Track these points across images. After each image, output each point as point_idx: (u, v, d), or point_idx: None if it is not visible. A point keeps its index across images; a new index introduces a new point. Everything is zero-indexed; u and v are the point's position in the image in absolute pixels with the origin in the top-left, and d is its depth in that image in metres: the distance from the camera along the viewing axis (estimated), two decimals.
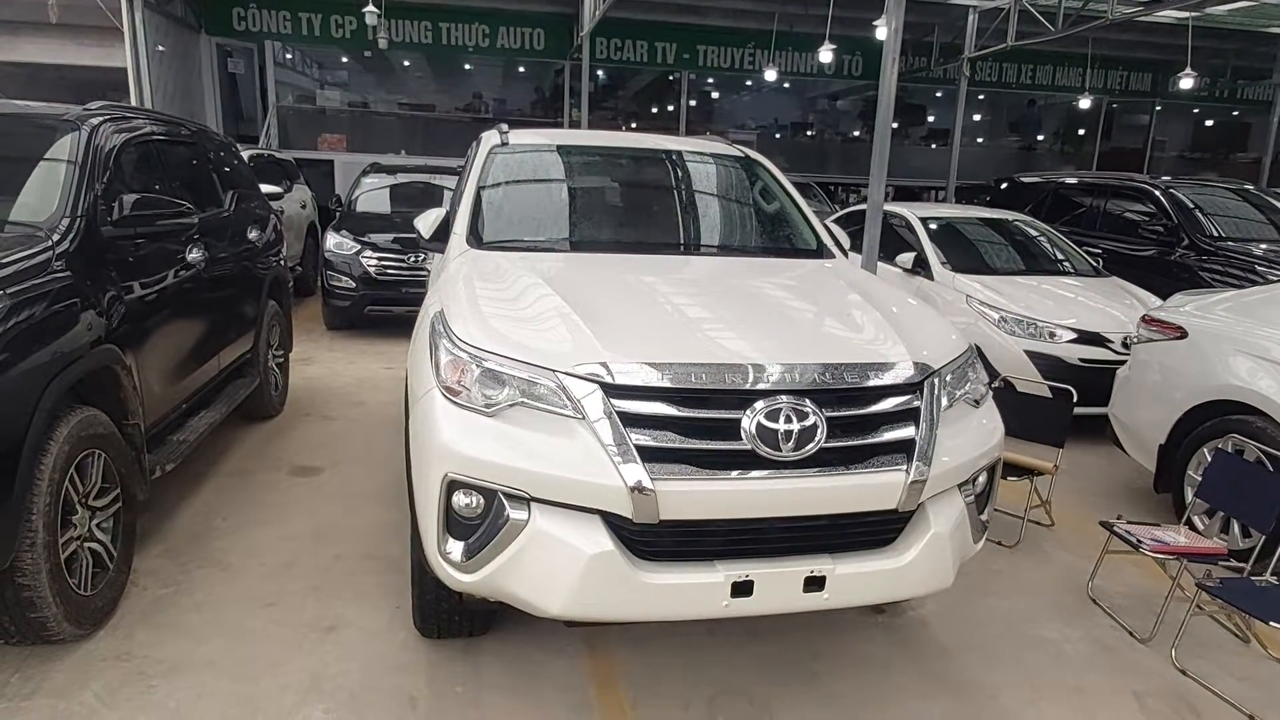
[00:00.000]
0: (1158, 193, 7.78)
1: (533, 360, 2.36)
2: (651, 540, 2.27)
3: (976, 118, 19.66)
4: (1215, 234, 7.34)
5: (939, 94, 18.33)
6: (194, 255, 4.26)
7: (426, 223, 3.57)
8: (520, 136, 4.02)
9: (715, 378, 2.30)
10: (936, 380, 2.51)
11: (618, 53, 15.33)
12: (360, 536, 3.96)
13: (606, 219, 3.75)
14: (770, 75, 14.64)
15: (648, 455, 2.23)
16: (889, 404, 2.41)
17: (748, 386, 2.30)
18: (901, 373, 2.45)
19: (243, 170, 5.77)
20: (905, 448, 2.38)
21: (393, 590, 3.45)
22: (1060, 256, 7.24)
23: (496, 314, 2.64)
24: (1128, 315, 6.07)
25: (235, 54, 14.87)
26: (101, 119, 3.83)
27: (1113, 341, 5.83)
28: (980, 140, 20.29)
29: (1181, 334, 4.41)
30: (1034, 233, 7.58)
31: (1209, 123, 19.52)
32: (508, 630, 3.15)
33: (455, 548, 2.39)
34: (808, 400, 2.31)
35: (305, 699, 2.75)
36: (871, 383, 2.40)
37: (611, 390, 2.28)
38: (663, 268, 3.29)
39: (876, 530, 2.42)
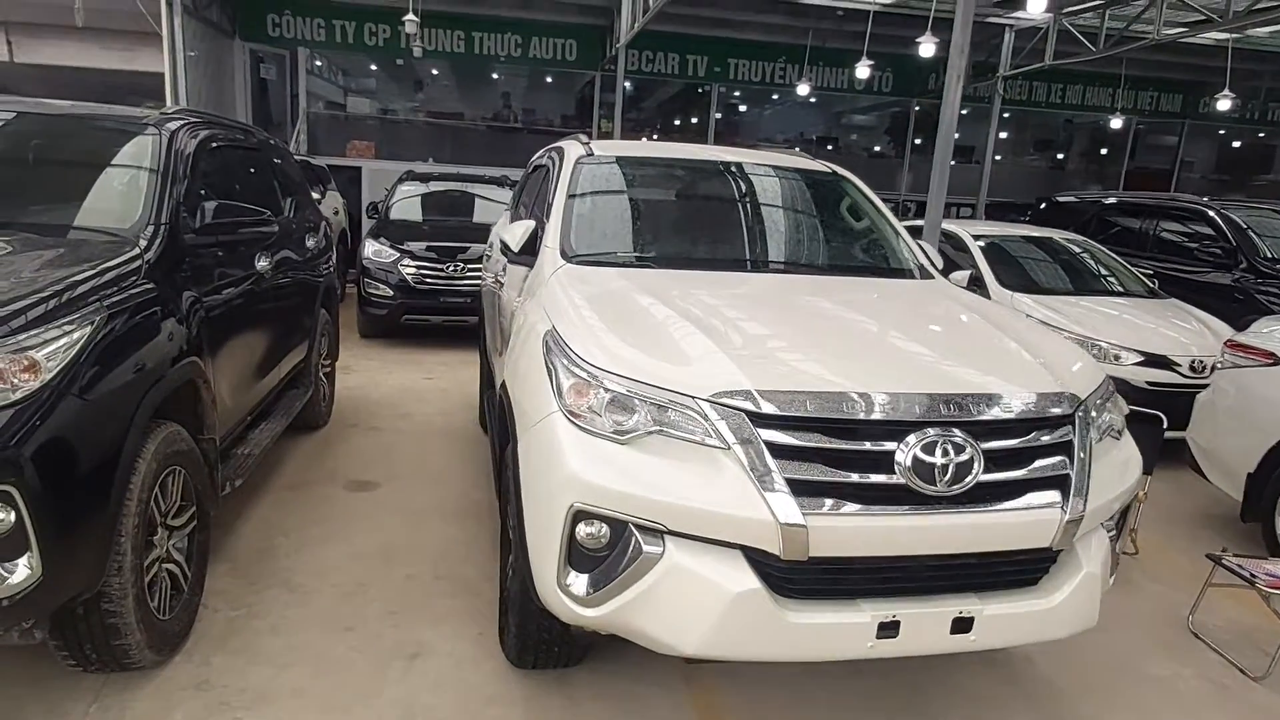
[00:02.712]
0: (1213, 214, 7.65)
1: (670, 386, 2.24)
2: (795, 578, 2.15)
3: (1003, 135, 19.54)
4: (1273, 256, 7.20)
5: (964, 111, 18.18)
6: (262, 264, 4.15)
7: (515, 235, 3.43)
8: (602, 147, 3.91)
9: (867, 407, 2.17)
10: (1085, 411, 2.39)
11: (649, 64, 15.25)
12: (429, 556, 3.84)
13: (702, 234, 3.62)
14: (803, 90, 14.54)
15: (797, 489, 2.11)
16: (1043, 437, 2.29)
17: (902, 417, 2.18)
18: (1054, 404, 2.33)
19: (297, 176, 5.68)
20: (1060, 483, 2.26)
21: (473, 614, 3.33)
22: (1117, 278, 7.11)
23: (618, 333, 2.52)
24: (1190, 338, 5.94)
25: (267, 60, 14.83)
26: (179, 123, 3.74)
27: (1180, 365, 5.69)
28: (998, 158, 20.15)
29: (1274, 360, 4.28)
30: (1089, 253, 7.45)
31: (1235, 144, 19.37)
32: (599, 660, 3.02)
33: (578, 581, 2.27)
34: (963, 432, 2.18)
35: None
36: (1026, 414, 2.27)
37: (758, 419, 2.16)
38: (772, 287, 3.17)
39: (1025, 568, 2.29)
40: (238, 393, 3.81)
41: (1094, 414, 2.44)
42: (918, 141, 17.67)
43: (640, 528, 2.18)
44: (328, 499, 4.46)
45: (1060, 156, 20.09)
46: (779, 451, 2.14)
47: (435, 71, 16.57)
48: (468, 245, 8.53)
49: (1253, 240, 7.42)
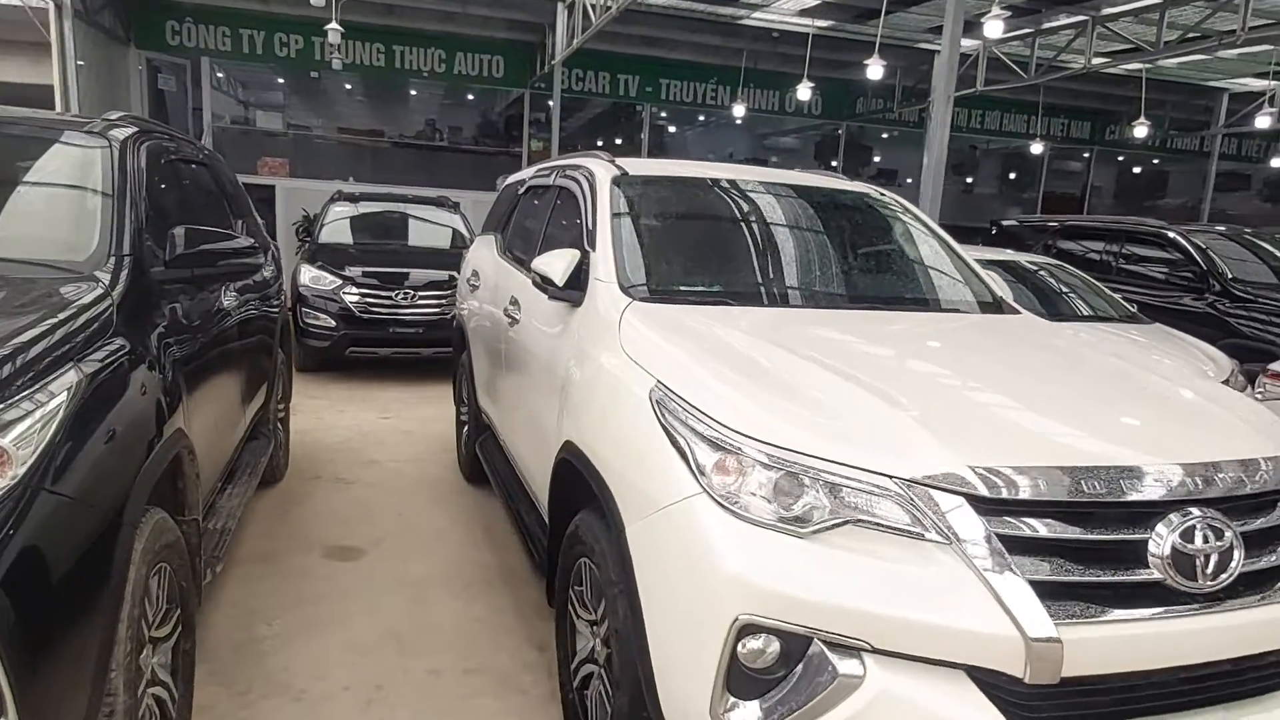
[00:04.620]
0: (1177, 237, 7.71)
1: (858, 464, 1.79)
2: (1037, 705, 1.71)
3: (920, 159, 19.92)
4: (1244, 280, 7.27)
5: (885, 135, 18.53)
6: (229, 300, 3.52)
7: (557, 268, 2.90)
8: (634, 167, 3.43)
9: (1112, 485, 1.77)
10: None
11: (579, 83, 14.83)
12: (449, 642, 3.26)
13: (774, 265, 3.18)
14: (739, 110, 14.39)
15: (1040, 592, 1.69)
16: None
17: (1156, 496, 1.79)
18: None
19: (243, 195, 5.00)
20: None
21: None
22: (1087, 302, 7.02)
23: (756, 391, 2.06)
24: (1188, 365, 5.84)
25: (165, 70, 13.72)
26: (128, 132, 3.11)
27: None
28: (909, 181, 20.52)
29: None
30: (1056, 276, 7.36)
31: (1136, 170, 20.33)
32: None
33: (746, 710, 1.78)
34: (1216, 511, 1.81)
35: None
36: (1273, 485, 1.92)
37: (981, 505, 1.73)
38: (891, 329, 2.73)
39: (1272, 672, 1.93)
40: (213, 457, 3.17)
41: None
42: (836, 164, 17.80)
43: (831, 644, 1.72)
44: (306, 572, 3.81)
45: (970, 180, 20.67)
46: (1010, 545, 1.72)
47: (349, 86, 15.71)
48: (409, 271, 7.92)
49: (1223, 265, 7.48)
